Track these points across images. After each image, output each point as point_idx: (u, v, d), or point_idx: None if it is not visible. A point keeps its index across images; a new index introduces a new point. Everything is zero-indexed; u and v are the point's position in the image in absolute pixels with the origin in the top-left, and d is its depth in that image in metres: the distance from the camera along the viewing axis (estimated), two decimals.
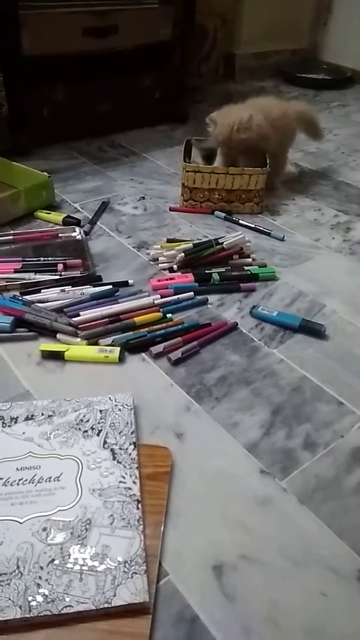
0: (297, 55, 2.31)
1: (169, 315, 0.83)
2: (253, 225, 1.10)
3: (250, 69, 2.15)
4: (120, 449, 0.59)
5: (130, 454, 0.59)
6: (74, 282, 0.88)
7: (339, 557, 0.52)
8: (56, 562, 0.49)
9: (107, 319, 0.80)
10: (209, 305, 0.87)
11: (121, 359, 0.74)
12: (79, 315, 0.80)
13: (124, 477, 0.56)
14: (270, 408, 0.68)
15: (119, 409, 0.64)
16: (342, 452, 0.63)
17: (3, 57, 1.23)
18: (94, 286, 0.87)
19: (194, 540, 0.53)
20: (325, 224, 1.14)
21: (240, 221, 1.11)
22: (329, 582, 0.50)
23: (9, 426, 0.61)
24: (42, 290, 0.86)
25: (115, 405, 0.65)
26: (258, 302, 0.87)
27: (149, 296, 0.86)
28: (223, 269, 0.94)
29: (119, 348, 0.75)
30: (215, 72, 2.06)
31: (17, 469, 0.57)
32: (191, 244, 0.95)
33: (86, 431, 0.61)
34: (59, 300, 0.84)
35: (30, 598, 0.46)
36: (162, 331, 0.79)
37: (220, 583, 0.50)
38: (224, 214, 1.14)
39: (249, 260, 0.98)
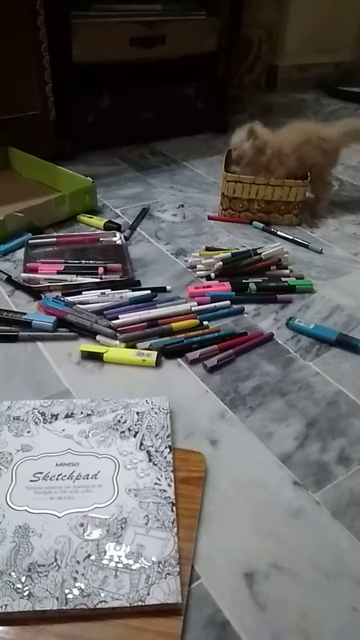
0: (340, 69, 2.31)
1: (205, 323, 0.84)
2: (291, 237, 1.10)
3: (292, 81, 2.16)
4: (156, 451, 0.61)
5: (165, 457, 0.60)
6: (114, 285, 0.90)
7: None
8: (92, 557, 0.50)
9: (145, 323, 0.81)
10: (245, 315, 0.88)
11: (158, 363, 0.76)
12: (118, 318, 0.82)
13: (159, 479, 0.57)
14: (305, 420, 0.69)
15: (155, 412, 0.66)
16: None
17: (54, 64, 1.27)
18: (133, 290, 0.89)
19: (226, 546, 0.54)
20: None
21: (278, 232, 1.12)
22: None
23: (50, 422, 0.63)
24: (83, 292, 0.88)
25: (152, 408, 0.66)
26: (294, 314, 0.88)
27: (186, 303, 0.87)
28: (260, 279, 0.94)
29: (156, 352, 0.76)
30: (257, 83, 2.07)
31: (57, 464, 0.58)
32: (229, 253, 0.96)
33: (123, 432, 0.63)
34: (98, 302, 0.86)
35: (67, 591, 0.47)
36: (199, 338, 0.80)
37: (252, 590, 0.50)
38: (262, 225, 1.14)
39: (287, 271, 0.98)
